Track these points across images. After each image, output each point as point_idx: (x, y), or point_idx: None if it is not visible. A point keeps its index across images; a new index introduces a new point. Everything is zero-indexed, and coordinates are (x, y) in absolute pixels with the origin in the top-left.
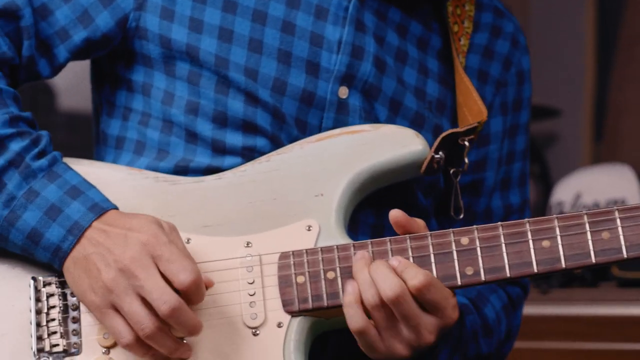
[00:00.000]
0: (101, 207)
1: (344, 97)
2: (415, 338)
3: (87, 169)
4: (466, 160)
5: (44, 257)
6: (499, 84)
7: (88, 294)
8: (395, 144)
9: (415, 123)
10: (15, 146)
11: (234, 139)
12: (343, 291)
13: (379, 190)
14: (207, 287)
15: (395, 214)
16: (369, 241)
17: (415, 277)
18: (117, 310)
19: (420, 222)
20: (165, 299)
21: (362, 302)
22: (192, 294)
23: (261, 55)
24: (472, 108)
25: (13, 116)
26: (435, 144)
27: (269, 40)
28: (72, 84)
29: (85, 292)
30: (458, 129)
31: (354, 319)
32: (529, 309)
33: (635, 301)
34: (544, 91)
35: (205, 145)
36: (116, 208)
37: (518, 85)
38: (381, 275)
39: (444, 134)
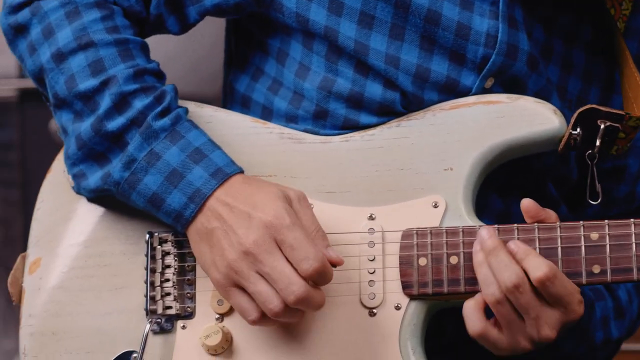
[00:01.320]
0: (225, 172)
1: (489, 86)
2: (535, 332)
3: (211, 113)
4: (597, 142)
5: (166, 220)
6: None
7: (212, 270)
8: (533, 119)
9: None
10: (138, 104)
11: (368, 119)
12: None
13: (508, 177)
14: (336, 265)
15: (527, 204)
16: (496, 226)
17: (539, 268)
18: (241, 288)
19: (551, 213)
20: (292, 290)
21: (482, 304)
22: (316, 280)
23: (402, 42)
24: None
25: (138, 69)
26: (572, 119)
27: (412, 28)
28: None
29: (209, 267)
30: (599, 107)
31: (472, 322)
32: None
33: None
34: None
35: (336, 122)
36: (241, 171)
37: None
38: (501, 263)
39: (581, 109)
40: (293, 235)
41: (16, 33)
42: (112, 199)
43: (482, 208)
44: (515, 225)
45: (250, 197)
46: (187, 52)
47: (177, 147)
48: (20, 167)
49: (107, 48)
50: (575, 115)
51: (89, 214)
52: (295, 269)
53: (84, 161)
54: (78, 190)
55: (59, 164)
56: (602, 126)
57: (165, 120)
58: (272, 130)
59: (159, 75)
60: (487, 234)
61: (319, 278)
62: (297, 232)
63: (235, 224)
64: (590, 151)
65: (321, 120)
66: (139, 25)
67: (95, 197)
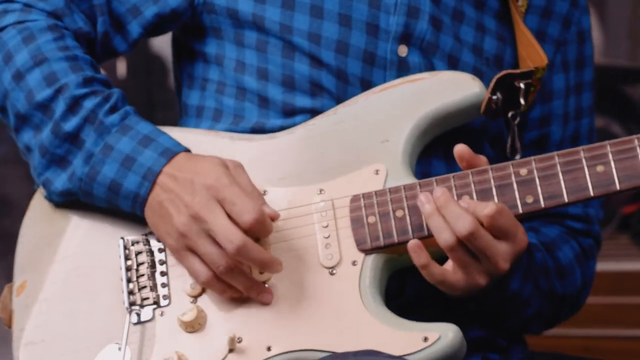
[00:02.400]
0: (172, 151)
1: (404, 55)
2: (492, 267)
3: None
4: (522, 101)
5: (127, 206)
6: (558, 43)
7: (166, 238)
8: (454, 88)
9: None
10: (88, 104)
11: (303, 101)
12: (412, 225)
13: (449, 142)
14: (273, 220)
15: (461, 149)
16: (433, 179)
17: (486, 207)
18: (193, 251)
19: (483, 158)
20: (230, 239)
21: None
22: (257, 231)
23: (323, 20)
24: (535, 58)
25: (87, 77)
26: (491, 85)
27: (329, 6)
28: None
29: (163, 237)
30: (513, 71)
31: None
32: (628, 265)
33: None
34: None
35: (277, 109)
36: (188, 150)
37: (579, 44)
38: (453, 214)
39: (498, 75)
40: (232, 191)
41: None
42: (84, 217)
43: (428, 175)
44: (451, 174)
45: (192, 166)
46: None
47: (127, 137)
48: None
49: (59, 63)
50: (494, 80)
51: (66, 236)
52: (236, 224)
53: (49, 167)
54: (49, 197)
55: (36, 202)
56: (522, 86)
57: (115, 117)
58: (224, 136)
59: (107, 84)
60: (439, 191)
61: (260, 228)
62: (235, 189)
63: (181, 191)
64: (512, 112)
65: (264, 109)
66: (89, 46)
67: (65, 200)
